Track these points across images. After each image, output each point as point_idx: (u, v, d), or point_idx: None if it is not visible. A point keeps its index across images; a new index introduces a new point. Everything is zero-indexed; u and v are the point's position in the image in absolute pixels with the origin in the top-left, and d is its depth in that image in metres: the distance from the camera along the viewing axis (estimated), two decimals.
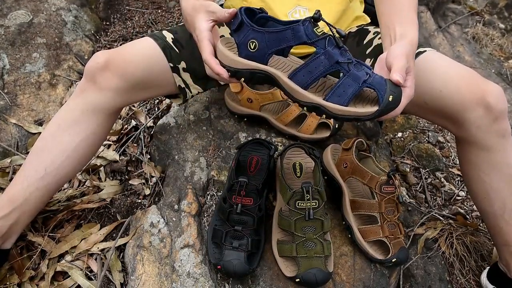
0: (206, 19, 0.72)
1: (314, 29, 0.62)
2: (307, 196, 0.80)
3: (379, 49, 0.91)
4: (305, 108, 0.66)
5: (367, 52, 0.93)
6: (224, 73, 0.68)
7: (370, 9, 1.08)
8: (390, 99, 0.61)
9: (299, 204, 0.81)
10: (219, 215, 0.87)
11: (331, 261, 0.83)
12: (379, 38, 0.94)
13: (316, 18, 0.62)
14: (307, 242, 0.81)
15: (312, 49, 0.84)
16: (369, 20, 1.06)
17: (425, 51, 0.84)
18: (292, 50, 0.97)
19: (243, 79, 0.69)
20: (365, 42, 0.96)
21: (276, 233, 0.87)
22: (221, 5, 1.14)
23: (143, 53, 0.89)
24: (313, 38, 0.62)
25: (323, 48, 0.62)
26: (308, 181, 0.86)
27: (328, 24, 0.64)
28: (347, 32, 1.00)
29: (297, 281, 0.79)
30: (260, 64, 0.67)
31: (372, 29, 0.99)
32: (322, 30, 0.63)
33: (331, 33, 0.63)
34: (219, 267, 0.79)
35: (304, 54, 0.98)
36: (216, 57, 0.70)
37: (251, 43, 0.66)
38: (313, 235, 0.81)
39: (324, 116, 0.65)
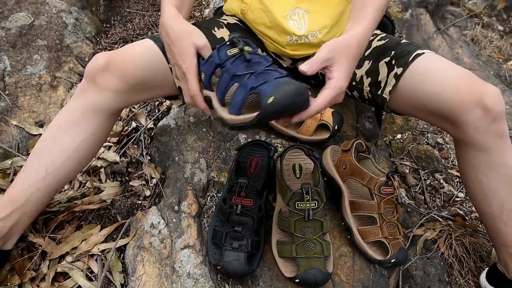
0: (194, 53, 0.73)
1: (228, 50, 0.67)
2: (307, 197, 0.80)
3: (378, 51, 0.92)
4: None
5: (366, 54, 0.94)
6: (208, 110, 0.75)
7: None
8: (270, 100, 0.58)
9: (299, 205, 0.81)
10: (219, 216, 0.87)
11: (330, 261, 0.84)
12: (378, 40, 0.94)
13: (232, 42, 0.68)
14: (306, 242, 0.81)
15: (312, 50, 0.87)
16: None
17: (423, 53, 0.84)
18: (292, 52, 0.98)
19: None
20: None
21: (276, 234, 0.88)
22: (220, 8, 1.14)
23: (143, 54, 0.89)
24: (223, 60, 0.68)
25: (226, 66, 0.67)
26: (307, 182, 0.87)
27: (243, 41, 0.68)
28: None
29: (297, 281, 0.80)
30: (206, 90, 0.73)
31: None
32: (237, 51, 0.67)
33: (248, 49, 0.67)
34: (219, 267, 0.80)
35: (303, 56, 0.99)
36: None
37: (201, 75, 0.73)
38: (313, 236, 0.81)
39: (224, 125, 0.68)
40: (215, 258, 0.83)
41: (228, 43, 0.69)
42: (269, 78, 0.63)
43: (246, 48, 0.68)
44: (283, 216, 0.85)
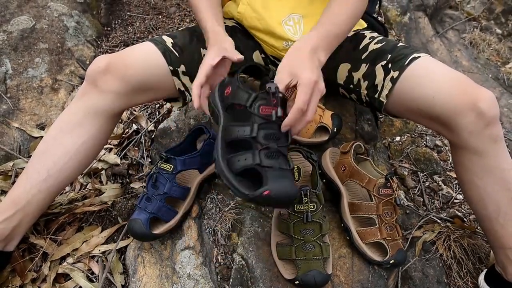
0: (217, 54, 0.80)
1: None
2: (305, 199, 0.81)
3: (375, 54, 0.93)
4: None
5: (362, 57, 0.95)
6: (201, 107, 0.80)
7: (366, 18, 1.10)
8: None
9: (298, 207, 0.82)
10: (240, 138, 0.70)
11: (329, 263, 0.84)
12: (375, 43, 0.95)
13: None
14: (306, 244, 0.82)
15: None
16: (365, 25, 1.07)
17: (420, 57, 0.85)
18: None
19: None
20: (361, 47, 0.97)
21: (275, 236, 0.88)
22: None
23: (143, 56, 0.90)
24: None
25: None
26: (306, 184, 0.87)
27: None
28: None
29: (297, 283, 0.80)
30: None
31: (368, 33, 1.01)
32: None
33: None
34: (267, 192, 0.61)
35: None
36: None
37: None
38: (312, 238, 0.82)
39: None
40: (242, 190, 0.64)
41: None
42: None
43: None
44: (282, 219, 0.86)
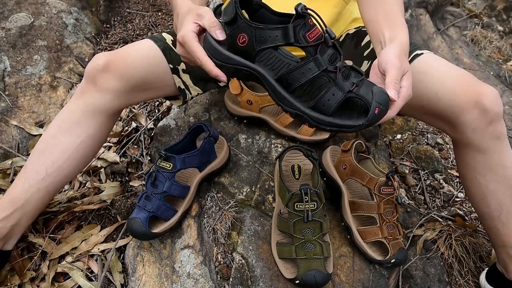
0: (193, 20, 0.67)
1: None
2: (306, 198, 0.80)
3: None
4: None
5: (365, 54, 0.94)
6: (223, 76, 0.66)
7: None
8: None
9: (298, 206, 0.81)
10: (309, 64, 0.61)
11: (330, 262, 0.84)
12: None
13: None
14: (306, 243, 0.81)
15: None
16: None
17: (422, 53, 0.85)
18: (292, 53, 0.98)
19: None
20: (362, 44, 0.96)
21: (276, 235, 0.88)
22: (220, 5, 1.14)
23: (143, 54, 0.89)
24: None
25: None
26: (306, 183, 0.87)
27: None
28: (344, 34, 1.01)
29: (297, 282, 0.79)
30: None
31: None
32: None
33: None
34: (377, 110, 0.58)
35: (302, 57, 0.99)
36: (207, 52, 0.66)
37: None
38: (312, 237, 0.81)
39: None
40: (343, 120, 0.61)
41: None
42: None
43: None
44: (282, 218, 0.85)
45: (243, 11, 0.65)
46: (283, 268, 0.83)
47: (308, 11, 0.59)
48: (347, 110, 0.61)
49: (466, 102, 0.76)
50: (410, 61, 0.84)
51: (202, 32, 0.68)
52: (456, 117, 0.78)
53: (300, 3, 0.59)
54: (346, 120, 0.60)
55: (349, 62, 0.74)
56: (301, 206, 0.81)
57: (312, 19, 0.60)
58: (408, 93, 0.66)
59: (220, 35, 0.64)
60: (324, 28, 0.60)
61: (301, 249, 0.81)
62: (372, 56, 0.92)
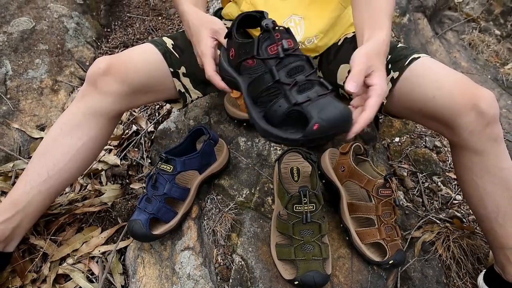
0: (211, 36, 0.78)
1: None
2: (304, 200, 0.81)
3: None
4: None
5: None
6: (227, 88, 0.75)
7: None
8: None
9: (297, 207, 0.82)
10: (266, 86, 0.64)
11: (329, 263, 0.84)
12: None
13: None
14: (305, 245, 0.82)
15: (309, 54, 0.86)
16: None
17: (420, 57, 0.86)
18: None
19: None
20: None
21: (275, 237, 0.89)
22: (220, 9, 1.16)
23: (143, 58, 0.90)
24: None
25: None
26: (305, 185, 0.88)
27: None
28: (343, 38, 1.02)
29: (296, 283, 0.80)
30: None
31: None
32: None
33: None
34: (316, 126, 0.56)
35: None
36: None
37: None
38: (311, 238, 0.82)
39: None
40: (287, 133, 0.60)
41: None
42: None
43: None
44: (281, 219, 0.86)
45: (257, 29, 0.70)
46: (282, 269, 0.84)
47: (278, 27, 0.65)
48: (295, 123, 0.61)
49: (463, 105, 0.77)
50: (408, 65, 0.85)
51: (219, 45, 0.79)
52: (453, 119, 0.79)
53: (269, 19, 0.65)
54: (288, 133, 0.60)
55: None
56: (300, 208, 0.82)
57: (279, 33, 0.64)
58: (382, 91, 0.65)
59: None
60: (285, 41, 0.64)
61: (300, 250, 0.81)
62: None
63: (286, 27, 0.67)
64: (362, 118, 0.64)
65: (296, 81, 0.61)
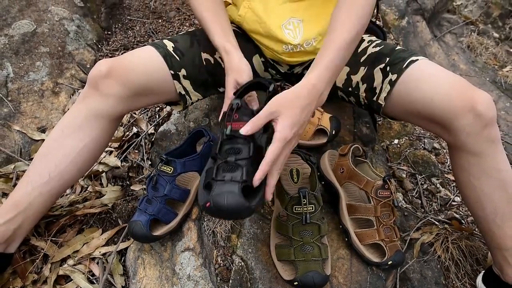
0: (234, 86, 0.83)
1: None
2: (304, 201, 0.82)
3: (373, 57, 0.94)
4: None
5: (361, 60, 0.96)
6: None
7: None
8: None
9: (296, 208, 0.83)
10: (212, 156, 0.75)
11: (328, 264, 0.85)
12: (373, 47, 0.97)
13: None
14: (304, 246, 0.82)
15: (308, 57, 0.87)
16: None
17: (417, 60, 0.87)
18: (288, 59, 1.01)
19: None
20: (359, 50, 0.98)
21: (274, 238, 0.89)
22: None
23: (144, 61, 0.91)
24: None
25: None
26: (304, 186, 0.88)
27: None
28: None
29: (296, 284, 0.80)
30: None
31: (366, 37, 1.02)
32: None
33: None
34: (208, 204, 0.64)
35: (300, 62, 1.01)
36: None
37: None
38: (311, 239, 0.82)
39: None
40: (204, 199, 0.67)
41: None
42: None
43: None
44: (281, 220, 0.86)
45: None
46: (281, 270, 0.84)
47: (243, 107, 0.72)
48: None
49: (460, 107, 0.78)
50: (406, 68, 0.86)
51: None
52: (451, 122, 0.79)
53: (237, 100, 0.72)
54: (204, 196, 0.67)
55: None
56: (299, 209, 0.82)
57: (238, 115, 0.71)
58: (282, 137, 0.67)
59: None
60: (235, 124, 0.70)
61: (300, 251, 0.82)
62: (369, 62, 0.94)
63: (255, 108, 0.72)
64: (261, 164, 0.66)
65: (227, 160, 0.68)
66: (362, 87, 0.95)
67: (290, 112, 0.69)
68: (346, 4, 0.79)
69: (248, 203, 0.64)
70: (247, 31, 1.02)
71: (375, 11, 1.22)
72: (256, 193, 0.68)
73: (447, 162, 1.44)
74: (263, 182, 0.69)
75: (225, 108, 0.81)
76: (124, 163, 1.24)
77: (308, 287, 0.79)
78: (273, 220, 0.91)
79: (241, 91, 0.82)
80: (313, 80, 0.72)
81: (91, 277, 0.95)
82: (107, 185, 1.18)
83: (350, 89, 1.00)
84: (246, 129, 0.67)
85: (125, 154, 1.27)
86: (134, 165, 1.24)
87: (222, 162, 0.69)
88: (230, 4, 1.08)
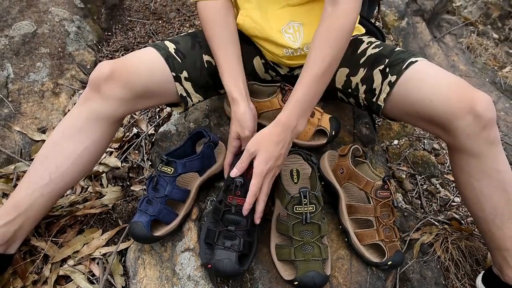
0: (237, 137, 0.91)
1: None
2: (305, 201, 0.82)
3: (372, 59, 0.94)
4: None
5: (361, 62, 0.96)
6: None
7: (363, 23, 1.11)
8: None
9: (297, 208, 0.83)
10: (214, 216, 0.87)
11: (328, 264, 0.85)
12: (372, 48, 0.97)
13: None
14: (305, 245, 0.82)
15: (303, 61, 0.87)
16: (363, 31, 1.08)
17: (417, 61, 0.87)
18: (289, 62, 1.01)
19: None
20: (359, 51, 0.99)
21: (275, 238, 0.89)
22: None
23: (146, 63, 0.91)
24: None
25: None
26: (305, 186, 0.88)
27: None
28: None
29: (296, 284, 0.81)
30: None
31: (366, 39, 1.02)
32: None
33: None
34: (209, 266, 0.80)
35: (300, 65, 1.02)
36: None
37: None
38: (311, 239, 0.83)
39: None
40: (206, 257, 0.84)
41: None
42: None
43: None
44: (281, 220, 0.87)
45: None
46: (282, 270, 0.84)
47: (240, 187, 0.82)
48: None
49: (460, 109, 0.78)
50: (405, 69, 0.86)
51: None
52: (450, 123, 0.80)
53: (240, 178, 0.82)
54: (204, 253, 0.85)
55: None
56: (300, 209, 0.82)
57: (240, 191, 0.82)
58: (257, 171, 0.78)
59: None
60: (238, 199, 0.83)
61: (300, 251, 0.82)
62: (368, 63, 0.95)
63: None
64: (247, 197, 0.79)
65: (227, 229, 0.82)
66: (362, 88, 0.95)
67: (265, 148, 0.79)
68: (325, 25, 0.84)
69: (241, 269, 0.80)
70: (247, 35, 1.02)
71: (376, 12, 1.23)
72: (247, 257, 0.84)
73: (446, 163, 1.44)
74: (253, 249, 0.85)
75: (227, 159, 0.92)
76: (124, 164, 1.25)
77: (308, 287, 0.79)
78: (273, 220, 0.91)
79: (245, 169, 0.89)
80: (284, 118, 0.82)
81: (91, 278, 0.95)
82: (107, 186, 1.18)
83: (349, 90, 1.00)
84: (233, 172, 0.81)
85: (125, 154, 1.27)
86: (134, 165, 1.25)
87: (223, 229, 0.83)
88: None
